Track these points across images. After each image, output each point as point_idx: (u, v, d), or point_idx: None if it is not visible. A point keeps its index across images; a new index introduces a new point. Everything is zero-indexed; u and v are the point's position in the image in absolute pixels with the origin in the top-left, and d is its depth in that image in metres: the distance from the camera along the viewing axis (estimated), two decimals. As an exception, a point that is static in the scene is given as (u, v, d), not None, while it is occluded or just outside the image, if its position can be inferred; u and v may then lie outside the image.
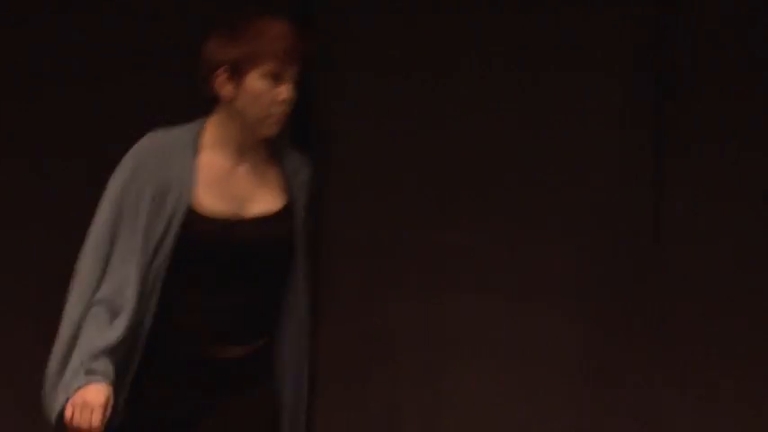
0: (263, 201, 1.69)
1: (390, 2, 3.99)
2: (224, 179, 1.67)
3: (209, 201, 1.65)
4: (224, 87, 1.66)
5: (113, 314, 1.59)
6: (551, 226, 3.96)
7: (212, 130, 1.69)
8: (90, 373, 1.55)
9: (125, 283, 1.58)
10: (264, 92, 1.66)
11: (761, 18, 4.63)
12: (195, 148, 1.66)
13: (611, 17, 4.23)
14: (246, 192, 1.68)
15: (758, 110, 4.29)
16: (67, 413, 1.55)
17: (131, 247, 1.60)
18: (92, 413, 1.53)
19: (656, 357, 3.90)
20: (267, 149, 1.72)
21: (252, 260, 1.65)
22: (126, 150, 1.75)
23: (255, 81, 1.67)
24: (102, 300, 1.59)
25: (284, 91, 1.66)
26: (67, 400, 1.55)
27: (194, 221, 1.63)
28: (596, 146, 4.06)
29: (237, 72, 1.66)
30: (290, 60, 1.67)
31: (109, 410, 1.56)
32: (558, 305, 3.86)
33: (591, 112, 4.00)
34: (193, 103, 1.98)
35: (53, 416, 1.58)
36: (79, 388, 1.54)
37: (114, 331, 1.57)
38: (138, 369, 1.62)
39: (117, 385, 1.57)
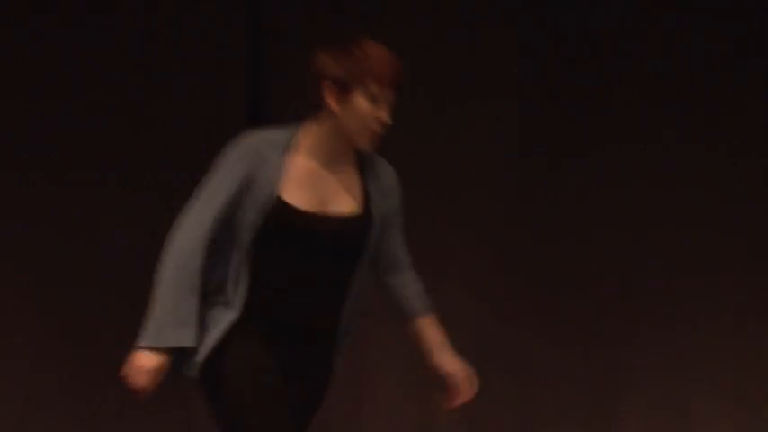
0: (345, 203, 1.90)
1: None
2: (311, 180, 1.87)
3: (295, 195, 1.85)
4: (330, 99, 1.84)
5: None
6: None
7: (309, 135, 1.88)
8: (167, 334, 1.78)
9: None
10: (366, 110, 1.86)
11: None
12: (289, 149, 1.87)
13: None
14: (330, 194, 1.88)
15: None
16: (126, 371, 1.78)
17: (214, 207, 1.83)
18: (143, 376, 1.76)
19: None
20: (354, 157, 1.91)
21: (326, 251, 1.87)
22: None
23: (359, 99, 1.85)
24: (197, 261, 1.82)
25: (384, 113, 1.86)
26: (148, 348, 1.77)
27: (281, 211, 1.84)
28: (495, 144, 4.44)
29: (344, 88, 1.84)
30: (390, 85, 1.86)
31: (160, 375, 1.78)
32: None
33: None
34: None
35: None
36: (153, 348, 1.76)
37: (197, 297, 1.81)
38: (232, 332, 1.83)
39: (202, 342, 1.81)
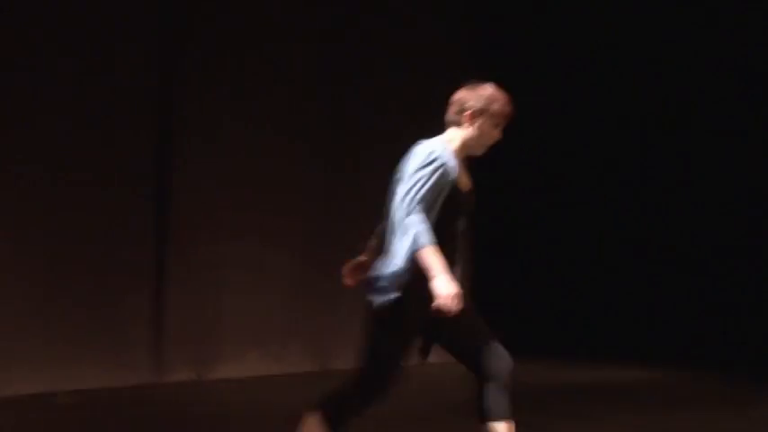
0: (467, 183, 3.02)
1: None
2: (461, 171, 2.97)
3: (462, 182, 2.96)
4: (468, 122, 2.99)
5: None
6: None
7: (456, 144, 2.99)
8: None
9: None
10: (489, 133, 3.02)
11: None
12: (450, 153, 2.95)
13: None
14: (466, 178, 3.01)
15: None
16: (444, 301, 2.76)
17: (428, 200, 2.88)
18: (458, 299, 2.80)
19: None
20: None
21: (464, 214, 2.98)
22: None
23: (486, 125, 3.00)
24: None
25: (497, 137, 3.03)
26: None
27: (456, 191, 2.92)
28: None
29: (478, 116, 2.98)
30: (507, 120, 3.02)
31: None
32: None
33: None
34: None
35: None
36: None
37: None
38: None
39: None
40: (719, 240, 6.94)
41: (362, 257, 3.13)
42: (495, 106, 2.98)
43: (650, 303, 7.05)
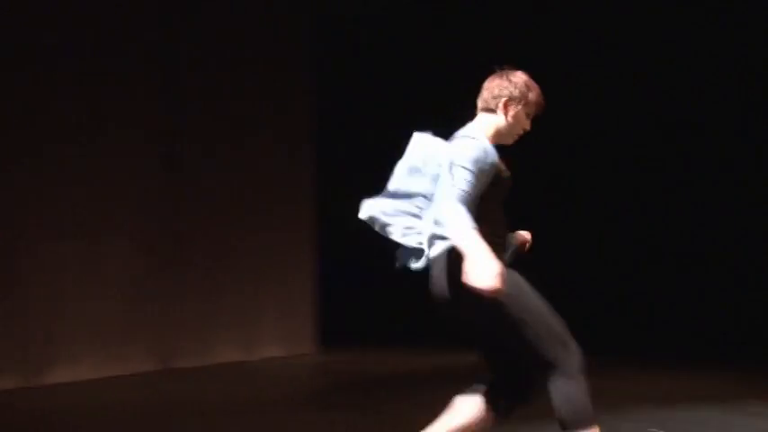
0: (508, 171, 2.93)
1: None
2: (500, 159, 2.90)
3: (502, 170, 2.88)
4: (503, 110, 2.88)
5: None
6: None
7: (490, 132, 2.89)
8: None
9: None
10: (522, 122, 2.91)
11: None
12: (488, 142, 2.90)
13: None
14: (504, 166, 2.91)
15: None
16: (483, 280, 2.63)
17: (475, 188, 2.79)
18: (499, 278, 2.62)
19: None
20: None
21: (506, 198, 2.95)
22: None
23: (520, 114, 2.90)
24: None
25: (528, 127, 2.93)
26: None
27: (499, 179, 2.85)
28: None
29: (515, 104, 2.88)
30: (540, 111, 2.93)
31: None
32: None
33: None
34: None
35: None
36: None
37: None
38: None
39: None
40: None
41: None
42: (532, 95, 2.90)
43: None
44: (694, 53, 7.21)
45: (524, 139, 3.01)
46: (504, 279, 2.58)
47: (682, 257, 7.30)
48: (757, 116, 7.10)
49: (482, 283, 2.55)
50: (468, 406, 2.87)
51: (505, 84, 2.88)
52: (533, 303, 2.77)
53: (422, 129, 2.91)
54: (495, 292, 2.56)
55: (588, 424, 2.74)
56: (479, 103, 2.92)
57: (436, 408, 2.93)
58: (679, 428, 3.89)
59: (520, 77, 2.90)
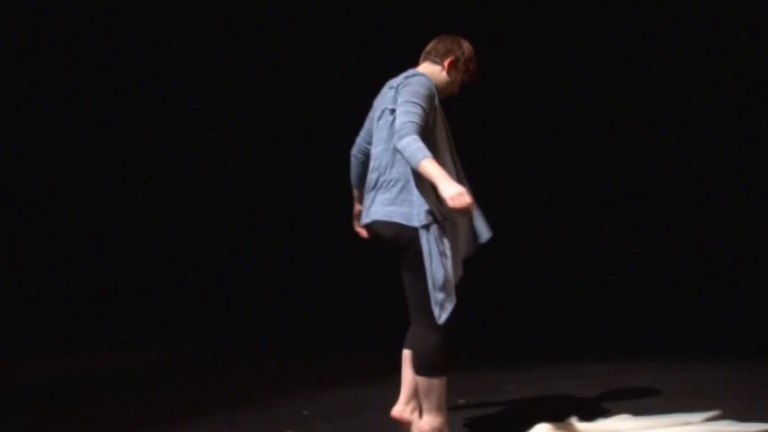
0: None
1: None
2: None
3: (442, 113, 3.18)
4: (446, 67, 3.22)
5: None
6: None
7: (433, 79, 3.17)
8: None
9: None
10: (455, 84, 3.26)
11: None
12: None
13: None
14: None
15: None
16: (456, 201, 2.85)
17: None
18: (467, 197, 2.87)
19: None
20: None
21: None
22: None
23: (457, 76, 3.25)
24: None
25: (457, 90, 3.28)
26: None
27: (443, 120, 3.17)
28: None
29: (455, 65, 3.23)
30: (471, 82, 3.30)
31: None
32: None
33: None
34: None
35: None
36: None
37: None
38: None
39: None
40: None
41: (358, 205, 3.46)
42: (472, 66, 3.25)
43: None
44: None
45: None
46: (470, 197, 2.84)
47: None
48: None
49: (456, 203, 2.81)
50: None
51: (456, 46, 3.22)
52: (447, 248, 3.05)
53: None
54: (468, 207, 2.83)
55: (438, 372, 3.12)
56: (427, 53, 3.25)
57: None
58: (334, 408, 4.30)
59: (468, 48, 3.24)
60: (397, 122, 2.97)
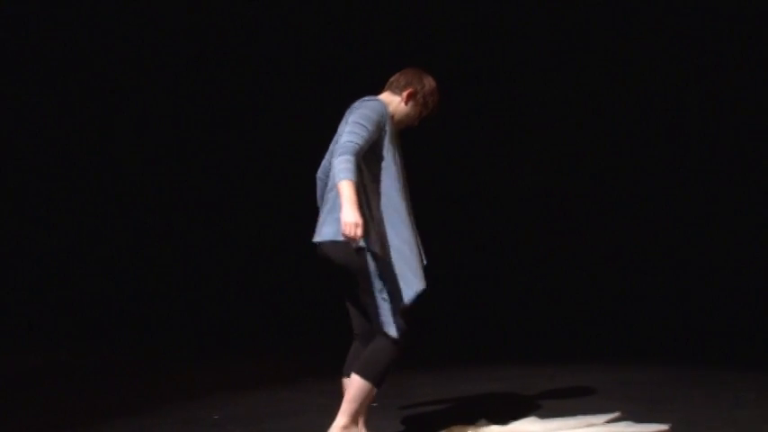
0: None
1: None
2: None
3: (395, 140, 3.27)
4: (404, 98, 3.32)
5: None
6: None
7: (390, 109, 3.28)
8: None
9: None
10: (413, 116, 3.36)
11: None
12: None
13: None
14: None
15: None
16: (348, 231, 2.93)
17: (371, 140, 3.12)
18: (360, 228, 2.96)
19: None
20: None
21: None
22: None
23: (415, 109, 3.35)
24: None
25: (416, 123, 3.38)
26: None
27: (394, 147, 3.24)
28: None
29: (414, 98, 3.33)
30: (430, 116, 3.41)
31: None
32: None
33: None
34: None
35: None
36: None
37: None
38: None
39: None
40: None
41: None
42: (431, 101, 3.36)
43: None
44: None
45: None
46: (363, 230, 2.92)
47: None
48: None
49: (343, 228, 2.92)
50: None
51: (417, 80, 3.33)
52: (390, 270, 3.14)
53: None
54: (353, 239, 2.93)
55: (378, 383, 3.19)
56: (389, 84, 3.37)
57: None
58: (245, 412, 4.28)
59: (430, 82, 3.35)
60: (341, 141, 3.08)
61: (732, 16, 7.00)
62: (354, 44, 7.70)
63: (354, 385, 3.18)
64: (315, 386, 4.73)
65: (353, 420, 3.20)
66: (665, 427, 3.57)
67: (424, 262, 3.27)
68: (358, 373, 3.19)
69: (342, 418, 3.19)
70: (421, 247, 3.29)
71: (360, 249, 3.10)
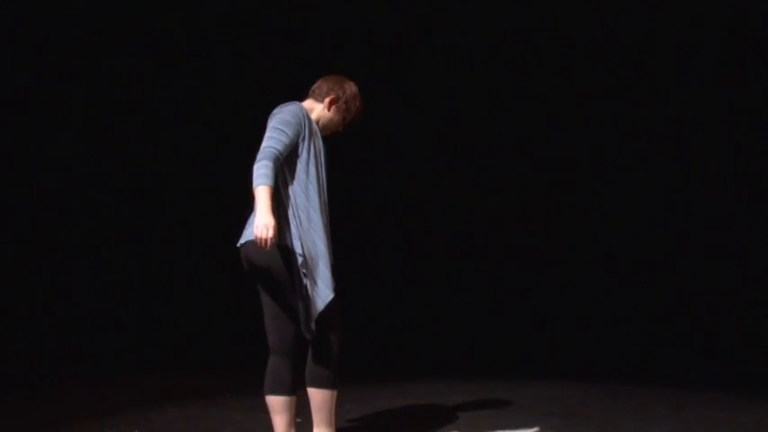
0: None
1: None
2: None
3: (317, 144, 3.32)
4: (327, 104, 3.38)
5: None
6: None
7: (313, 116, 3.36)
8: None
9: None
10: (336, 122, 3.42)
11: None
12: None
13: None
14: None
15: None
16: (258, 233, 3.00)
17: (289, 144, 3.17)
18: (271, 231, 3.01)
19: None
20: None
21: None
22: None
23: (338, 115, 3.41)
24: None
25: (341, 128, 3.43)
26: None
27: (317, 152, 3.29)
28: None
29: (336, 104, 3.39)
30: (353, 122, 3.45)
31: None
32: None
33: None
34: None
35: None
36: None
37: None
38: None
39: None
40: None
41: None
42: (353, 106, 3.42)
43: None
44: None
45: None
46: (275, 233, 2.97)
47: None
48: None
49: (255, 231, 2.98)
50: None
51: (338, 86, 3.40)
52: (310, 270, 3.17)
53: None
54: (265, 241, 2.97)
55: (334, 386, 3.31)
56: (312, 91, 3.44)
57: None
58: (166, 428, 4.22)
59: (351, 88, 3.42)
60: (261, 147, 3.13)
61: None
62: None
63: (315, 398, 3.29)
64: (231, 402, 4.70)
65: (332, 427, 3.31)
66: (581, 440, 3.66)
67: (333, 263, 3.29)
68: (312, 386, 3.28)
69: (321, 430, 3.30)
70: (331, 251, 3.30)
71: (283, 249, 3.12)
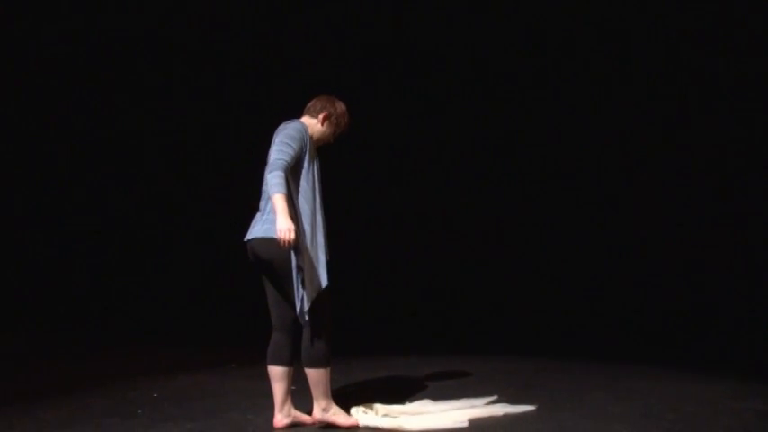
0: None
1: None
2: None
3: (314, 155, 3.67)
4: (320, 121, 3.78)
5: None
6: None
7: (310, 131, 3.73)
8: None
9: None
10: (327, 136, 3.83)
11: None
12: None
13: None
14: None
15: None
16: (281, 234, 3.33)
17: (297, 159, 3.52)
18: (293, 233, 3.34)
19: None
20: None
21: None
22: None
23: (330, 130, 3.82)
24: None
25: (332, 141, 3.84)
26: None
27: (316, 164, 3.65)
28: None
29: (328, 120, 3.80)
30: (342, 135, 3.85)
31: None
32: None
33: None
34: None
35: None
36: None
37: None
38: None
39: None
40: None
41: None
42: (343, 122, 3.83)
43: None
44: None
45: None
46: (295, 235, 3.32)
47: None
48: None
49: (279, 234, 3.30)
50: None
51: (330, 105, 3.81)
52: (309, 263, 3.48)
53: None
54: (288, 242, 3.30)
55: (327, 364, 3.63)
56: (307, 109, 3.82)
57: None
58: (180, 392, 4.45)
59: (340, 106, 3.83)
60: (271, 158, 3.50)
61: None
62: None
63: (312, 376, 3.60)
64: (237, 371, 5.05)
65: (328, 398, 3.63)
66: (532, 407, 4.01)
67: (328, 258, 3.63)
68: (309, 366, 3.59)
69: (320, 403, 3.63)
70: (327, 246, 3.67)
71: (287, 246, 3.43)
